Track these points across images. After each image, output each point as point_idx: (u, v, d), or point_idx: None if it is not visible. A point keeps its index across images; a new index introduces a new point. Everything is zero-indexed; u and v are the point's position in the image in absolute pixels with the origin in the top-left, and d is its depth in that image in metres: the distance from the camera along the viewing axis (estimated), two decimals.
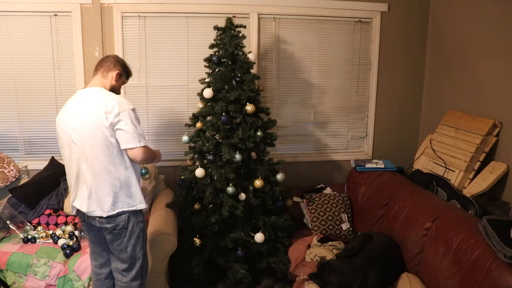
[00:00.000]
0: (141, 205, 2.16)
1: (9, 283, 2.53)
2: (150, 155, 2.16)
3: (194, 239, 2.85)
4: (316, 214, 3.16)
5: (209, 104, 2.89)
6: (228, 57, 2.85)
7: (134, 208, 2.13)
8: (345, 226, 3.12)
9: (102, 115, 2.00)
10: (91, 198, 2.08)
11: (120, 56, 3.27)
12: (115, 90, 2.24)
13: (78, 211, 2.19)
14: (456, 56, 3.34)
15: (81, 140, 2.05)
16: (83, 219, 2.21)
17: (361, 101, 3.80)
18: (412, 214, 2.58)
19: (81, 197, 2.13)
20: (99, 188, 2.07)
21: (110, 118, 2.01)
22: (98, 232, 2.22)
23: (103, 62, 2.22)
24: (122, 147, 2.05)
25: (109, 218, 2.09)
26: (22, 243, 2.72)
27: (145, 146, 2.09)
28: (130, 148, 2.05)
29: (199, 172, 2.85)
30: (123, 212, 2.10)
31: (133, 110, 2.08)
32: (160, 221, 2.74)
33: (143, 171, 2.35)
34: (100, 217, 2.09)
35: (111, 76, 2.20)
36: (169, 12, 3.33)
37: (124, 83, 2.33)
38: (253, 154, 2.92)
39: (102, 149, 2.03)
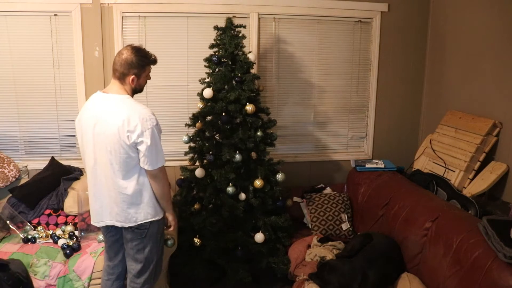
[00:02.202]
0: (161, 213, 2.20)
1: None
2: (164, 174, 2.17)
3: (194, 239, 2.85)
4: (316, 214, 3.16)
5: (209, 104, 2.89)
6: (228, 57, 2.85)
7: (156, 218, 2.16)
8: (345, 226, 3.12)
9: (124, 133, 1.96)
10: (112, 209, 2.10)
11: None
12: (139, 88, 2.15)
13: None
14: (456, 56, 3.34)
15: (103, 150, 2.02)
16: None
17: (361, 101, 3.80)
18: (412, 214, 2.58)
19: (101, 205, 2.13)
20: (118, 200, 2.08)
21: (132, 138, 1.97)
22: (116, 232, 2.23)
23: (120, 64, 2.04)
24: (145, 167, 2.05)
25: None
26: (22, 243, 2.72)
27: (162, 166, 2.11)
28: (151, 170, 2.06)
29: (199, 172, 2.85)
30: (146, 223, 2.13)
31: (157, 125, 2.03)
32: None
33: (169, 242, 2.42)
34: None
35: (128, 81, 2.07)
36: (169, 12, 3.33)
37: (148, 75, 2.15)
38: (253, 154, 2.91)
39: (122, 163, 2.02)
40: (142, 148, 1.99)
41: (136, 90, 2.13)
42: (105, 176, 2.06)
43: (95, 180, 2.11)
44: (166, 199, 2.20)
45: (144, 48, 2.12)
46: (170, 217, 2.28)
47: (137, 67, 2.05)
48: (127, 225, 2.11)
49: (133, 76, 2.05)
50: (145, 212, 2.11)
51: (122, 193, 2.06)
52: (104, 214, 2.13)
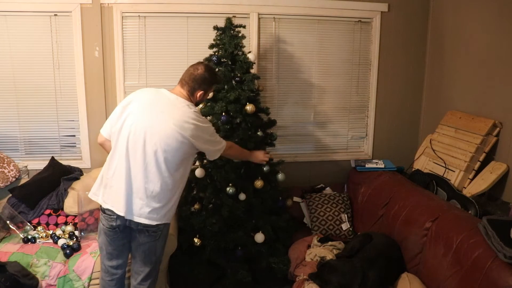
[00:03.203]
0: (172, 217, 2.23)
1: None
2: (234, 150, 2.48)
3: (194, 239, 2.85)
4: (316, 214, 3.16)
5: (209, 104, 2.89)
6: (228, 57, 2.85)
7: (170, 221, 2.22)
8: (345, 226, 3.12)
9: (181, 130, 2.03)
10: (143, 203, 2.05)
11: (120, 56, 3.30)
12: (201, 102, 2.33)
13: (110, 210, 2.08)
14: (456, 56, 3.34)
15: (149, 144, 2.02)
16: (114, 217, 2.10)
17: (361, 101, 3.80)
18: (412, 214, 2.58)
19: (127, 196, 2.05)
20: (155, 196, 2.06)
21: (188, 136, 2.05)
22: (126, 235, 2.18)
23: (191, 79, 2.17)
24: (210, 158, 2.32)
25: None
26: (22, 243, 2.72)
27: (223, 149, 2.31)
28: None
29: (199, 172, 2.85)
30: (161, 224, 2.14)
31: (210, 127, 2.21)
32: None
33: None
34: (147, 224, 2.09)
35: (196, 96, 2.21)
36: (169, 12, 3.33)
37: (212, 91, 2.43)
38: None
39: (163, 161, 2.03)
40: (204, 147, 2.17)
41: (197, 103, 2.27)
42: (146, 170, 2.02)
43: (132, 171, 2.04)
44: (244, 156, 2.64)
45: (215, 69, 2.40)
46: (261, 156, 2.69)
47: (208, 86, 2.24)
48: (153, 223, 2.07)
49: (202, 92, 2.21)
50: (167, 214, 2.12)
51: (156, 190, 2.04)
52: (130, 209, 2.05)
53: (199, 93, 2.19)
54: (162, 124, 2.02)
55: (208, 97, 2.37)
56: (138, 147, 2.03)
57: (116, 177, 2.06)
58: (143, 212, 2.05)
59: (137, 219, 2.06)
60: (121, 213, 2.05)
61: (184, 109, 2.09)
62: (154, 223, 2.07)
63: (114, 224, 2.10)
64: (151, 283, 2.26)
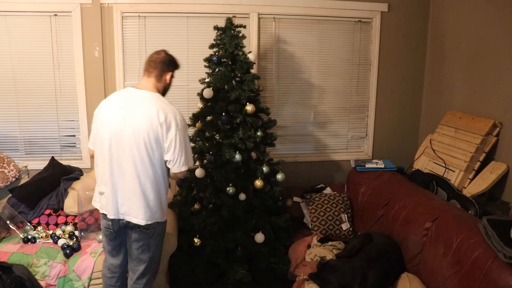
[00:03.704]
0: (165, 216, 2.24)
1: None
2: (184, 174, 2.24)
3: (194, 239, 2.84)
4: (316, 214, 3.16)
5: (209, 104, 2.89)
6: (228, 57, 2.85)
7: (164, 220, 2.22)
8: (345, 226, 3.12)
9: (157, 126, 2.02)
10: (132, 202, 2.09)
11: (120, 56, 3.30)
12: (167, 89, 2.29)
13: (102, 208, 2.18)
14: (456, 56, 3.34)
15: (128, 143, 2.04)
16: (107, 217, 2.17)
17: (361, 101, 3.80)
18: (412, 214, 2.58)
19: (114, 199, 2.11)
20: (138, 194, 2.08)
21: (161, 131, 2.03)
22: (122, 235, 2.23)
23: (156, 63, 2.18)
24: (173, 170, 2.11)
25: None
26: (22, 243, 2.71)
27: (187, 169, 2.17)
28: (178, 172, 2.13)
29: (199, 172, 2.85)
30: (154, 223, 2.15)
31: (185, 127, 2.14)
32: None
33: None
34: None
35: (165, 78, 2.21)
36: (169, 12, 3.33)
37: (174, 77, 2.34)
38: (253, 154, 2.91)
39: (145, 158, 2.04)
40: (170, 147, 2.05)
41: (166, 88, 2.27)
42: (130, 170, 2.05)
43: (115, 173, 2.08)
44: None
45: None
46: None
47: (174, 67, 2.26)
48: (142, 223, 2.09)
49: (171, 73, 2.23)
50: (157, 212, 2.14)
51: (145, 190, 2.08)
52: (118, 209, 2.11)
53: (168, 75, 2.22)
54: (138, 121, 2.04)
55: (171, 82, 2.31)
56: (119, 151, 2.07)
57: (104, 183, 2.13)
58: (132, 211, 2.10)
59: (127, 218, 2.12)
60: (111, 216, 2.13)
61: (155, 101, 2.10)
62: (143, 222, 2.11)
63: (110, 224, 2.17)
64: (146, 283, 2.25)
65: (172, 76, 2.26)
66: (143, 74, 2.21)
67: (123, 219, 2.13)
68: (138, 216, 2.10)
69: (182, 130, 2.09)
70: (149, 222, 2.11)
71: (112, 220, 2.14)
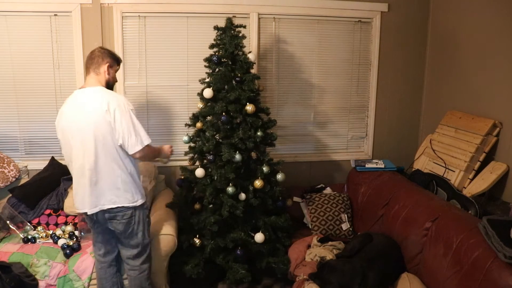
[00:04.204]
0: (141, 200, 2.32)
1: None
2: (151, 153, 2.32)
3: (194, 239, 2.85)
4: (316, 214, 3.16)
5: (209, 104, 2.89)
6: (228, 57, 2.85)
7: (134, 204, 2.27)
8: (345, 226, 3.12)
9: (104, 115, 2.10)
10: (99, 194, 2.20)
11: (120, 56, 3.28)
12: (111, 82, 2.34)
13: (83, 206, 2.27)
14: (456, 56, 3.34)
15: (87, 140, 2.14)
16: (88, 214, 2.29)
17: (361, 101, 3.80)
18: (412, 214, 2.58)
19: (87, 194, 2.21)
20: (105, 184, 2.19)
21: (109, 119, 2.11)
22: (103, 222, 2.31)
23: (91, 59, 2.27)
24: (129, 152, 2.18)
25: (116, 209, 2.23)
26: (22, 243, 2.72)
27: (146, 146, 2.21)
28: (134, 152, 2.20)
29: (199, 172, 2.85)
30: (127, 208, 2.23)
31: (132, 110, 2.20)
32: (160, 221, 2.74)
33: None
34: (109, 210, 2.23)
35: (103, 70, 2.28)
36: (169, 12, 3.33)
37: (117, 71, 2.40)
38: (253, 154, 2.91)
39: (106, 147, 2.15)
40: (120, 129, 2.13)
41: (109, 82, 2.32)
42: (93, 161, 2.16)
43: (76, 169, 2.22)
44: (156, 157, 2.45)
45: None
46: (166, 149, 2.52)
47: (110, 58, 2.30)
48: (105, 208, 2.20)
49: (108, 63, 2.27)
50: (126, 196, 2.23)
51: (102, 177, 2.18)
52: (86, 201, 2.22)
53: (105, 66, 2.27)
54: (89, 116, 2.13)
55: (117, 71, 2.39)
56: (82, 149, 2.17)
57: (76, 185, 2.26)
58: (98, 200, 2.21)
59: (95, 209, 2.22)
60: (89, 211, 2.24)
61: (97, 93, 2.19)
62: (106, 207, 2.20)
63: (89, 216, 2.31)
64: (143, 261, 2.41)
65: (110, 67, 2.30)
66: (85, 74, 2.33)
67: (98, 211, 2.23)
68: (108, 202, 2.21)
69: (126, 113, 2.15)
70: (119, 205, 2.21)
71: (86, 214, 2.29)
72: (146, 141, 2.21)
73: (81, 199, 2.24)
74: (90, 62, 2.26)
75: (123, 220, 2.25)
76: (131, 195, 2.25)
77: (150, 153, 2.30)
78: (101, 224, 2.34)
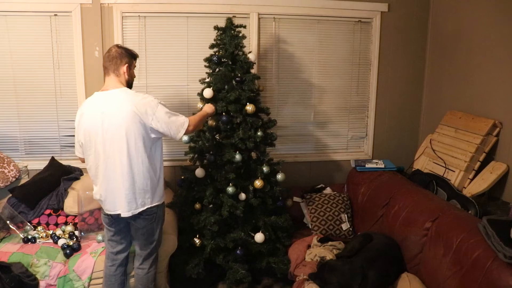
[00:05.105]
0: (163, 198, 2.41)
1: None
2: (197, 125, 2.40)
3: (194, 239, 2.85)
4: (316, 214, 3.16)
5: (209, 104, 2.89)
6: (228, 57, 2.85)
7: (158, 203, 2.33)
8: (345, 226, 3.12)
9: (134, 118, 2.11)
10: (131, 198, 2.20)
11: None
12: (131, 80, 2.34)
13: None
14: (456, 56, 3.34)
15: (118, 145, 2.14)
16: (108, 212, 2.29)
17: (361, 101, 3.80)
18: (412, 214, 2.59)
19: (118, 198, 2.21)
20: (137, 188, 2.20)
21: (142, 121, 2.13)
22: (122, 221, 2.32)
23: (110, 60, 2.24)
24: (176, 138, 2.27)
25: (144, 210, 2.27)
26: (22, 243, 2.72)
27: (188, 126, 2.29)
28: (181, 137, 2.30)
29: (199, 172, 2.85)
30: (156, 206, 2.31)
31: (161, 103, 2.23)
32: None
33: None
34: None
35: (123, 72, 2.26)
36: (169, 12, 3.33)
37: (135, 67, 2.39)
38: (253, 154, 2.92)
39: (138, 151, 2.16)
40: (159, 125, 2.17)
41: (130, 81, 2.32)
42: (120, 166, 2.16)
43: (106, 173, 2.20)
44: (204, 121, 2.62)
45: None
46: (208, 110, 2.65)
47: (128, 57, 2.29)
48: (137, 211, 2.22)
49: (126, 64, 2.26)
50: (154, 196, 2.28)
51: (135, 181, 2.19)
52: (118, 204, 2.21)
53: (124, 67, 2.25)
54: (118, 119, 2.12)
55: (135, 67, 2.39)
56: (110, 149, 2.16)
57: (102, 191, 2.24)
58: (132, 203, 2.21)
59: (127, 214, 2.22)
60: (112, 212, 2.26)
61: (124, 96, 2.18)
62: (138, 210, 2.22)
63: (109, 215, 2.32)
64: (151, 264, 2.44)
65: (129, 67, 2.29)
66: (104, 75, 2.29)
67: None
68: (137, 204, 2.22)
69: (158, 107, 2.18)
70: (148, 206, 2.25)
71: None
72: (185, 123, 2.27)
73: (111, 203, 2.23)
74: (109, 63, 2.24)
75: (147, 216, 2.28)
76: (158, 196, 2.31)
77: (195, 127, 2.37)
78: (122, 221, 2.33)
